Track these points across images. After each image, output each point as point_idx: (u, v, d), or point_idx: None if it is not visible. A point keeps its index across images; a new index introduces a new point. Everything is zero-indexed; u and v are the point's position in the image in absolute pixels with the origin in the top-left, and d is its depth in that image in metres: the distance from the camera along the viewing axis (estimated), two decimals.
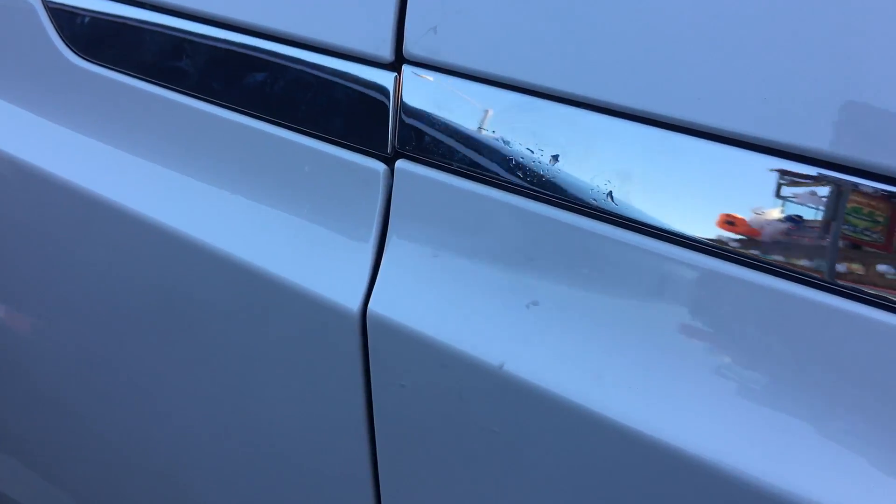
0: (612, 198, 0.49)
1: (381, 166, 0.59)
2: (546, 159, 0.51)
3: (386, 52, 0.58)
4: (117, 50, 0.75)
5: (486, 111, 0.54)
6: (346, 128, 0.60)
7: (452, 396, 0.54)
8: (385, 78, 0.58)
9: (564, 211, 0.51)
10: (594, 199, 0.49)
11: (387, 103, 0.58)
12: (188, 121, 0.70)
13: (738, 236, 0.45)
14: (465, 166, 0.55)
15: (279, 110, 0.64)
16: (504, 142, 0.53)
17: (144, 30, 0.71)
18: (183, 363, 0.74)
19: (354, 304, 0.59)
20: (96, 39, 0.78)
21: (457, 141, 0.55)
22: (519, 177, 0.52)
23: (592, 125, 0.49)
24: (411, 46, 0.56)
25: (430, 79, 0.56)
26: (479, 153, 0.54)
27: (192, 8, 0.67)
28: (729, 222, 0.46)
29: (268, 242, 0.64)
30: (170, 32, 0.69)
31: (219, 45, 0.66)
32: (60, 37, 0.81)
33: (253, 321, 0.65)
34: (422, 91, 0.56)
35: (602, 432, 0.48)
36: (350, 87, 0.60)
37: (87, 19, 0.79)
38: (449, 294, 0.55)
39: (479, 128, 0.54)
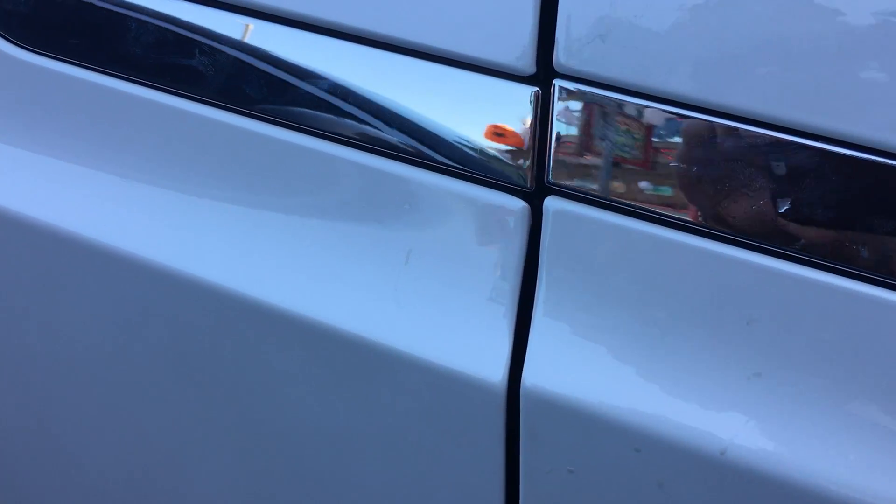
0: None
1: (519, 204, 0.48)
2: (771, 204, 0.42)
3: (527, 64, 0.46)
4: (90, 38, 0.57)
5: (674, 140, 0.44)
6: (466, 155, 0.48)
7: (648, 485, 0.45)
8: (523, 93, 0.46)
9: (796, 264, 0.42)
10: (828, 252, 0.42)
11: (526, 125, 0.47)
12: (214, 137, 0.54)
13: None
14: (646, 206, 0.45)
15: (362, 130, 0.50)
16: (703, 179, 0.43)
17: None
18: (263, 449, 0.58)
19: (496, 376, 0.48)
20: (47, 22, 0.59)
21: (635, 175, 0.45)
22: (730, 223, 0.43)
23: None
24: (566, 57, 0.45)
25: (595, 96, 0.45)
26: (668, 191, 0.44)
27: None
28: None
29: (359, 301, 0.51)
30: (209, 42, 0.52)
31: (285, 56, 0.50)
32: None
33: (350, 395, 0.52)
34: (582, 111, 0.45)
35: None
36: (473, 104, 0.48)
37: None
38: (638, 363, 0.45)
39: (671, 164, 0.44)
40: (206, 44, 0.53)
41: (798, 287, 0.42)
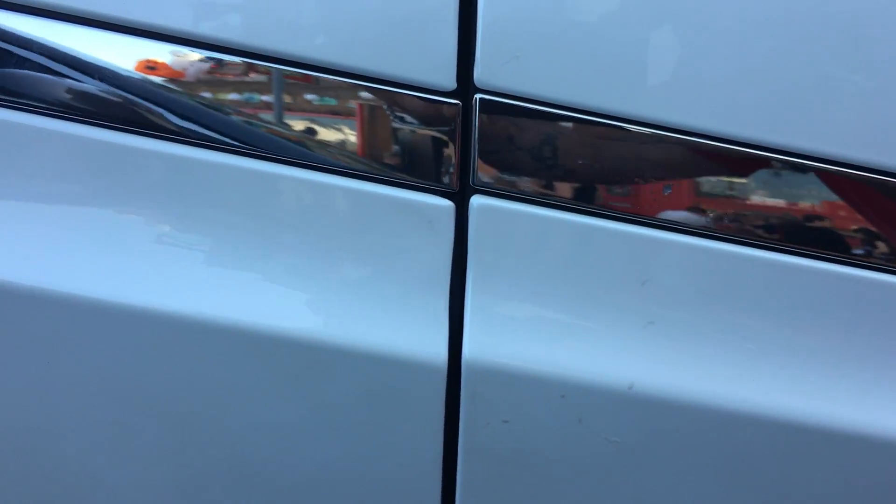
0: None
1: (446, 202, 0.55)
2: (662, 189, 0.54)
3: (449, 81, 0.53)
4: None
5: (568, 140, 0.54)
6: (398, 164, 0.54)
7: (570, 422, 0.56)
8: (447, 107, 0.53)
9: (671, 233, 0.55)
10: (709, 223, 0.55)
11: (449, 134, 0.54)
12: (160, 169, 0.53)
13: None
14: (553, 197, 0.54)
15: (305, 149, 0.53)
16: (595, 171, 0.54)
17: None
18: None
19: (439, 355, 0.55)
20: None
21: (542, 172, 0.54)
22: (619, 204, 0.54)
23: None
24: (485, 75, 0.52)
25: (512, 107, 0.53)
26: (567, 183, 0.54)
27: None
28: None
29: (301, 301, 0.55)
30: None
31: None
32: None
33: (300, 392, 0.56)
34: (500, 121, 0.53)
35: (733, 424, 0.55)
36: (402, 118, 0.53)
37: None
38: (557, 327, 0.55)
39: (572, 159, 0.54)
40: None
41: (678, 252, 0.55)
